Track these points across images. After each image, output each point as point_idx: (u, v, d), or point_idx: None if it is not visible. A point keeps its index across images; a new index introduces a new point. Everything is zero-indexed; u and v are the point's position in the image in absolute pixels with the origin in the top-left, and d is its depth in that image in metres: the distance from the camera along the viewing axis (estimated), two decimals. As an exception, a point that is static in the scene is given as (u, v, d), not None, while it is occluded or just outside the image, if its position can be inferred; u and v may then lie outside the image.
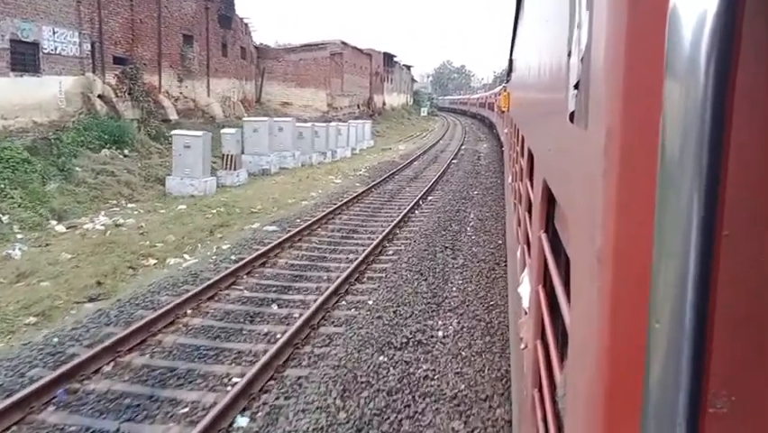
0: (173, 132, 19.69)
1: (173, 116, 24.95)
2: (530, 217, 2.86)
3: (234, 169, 20.75)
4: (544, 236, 2.00)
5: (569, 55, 1.26)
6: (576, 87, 1.12)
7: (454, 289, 9.78)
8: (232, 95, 31.72)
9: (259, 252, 11.12)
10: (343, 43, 50.64)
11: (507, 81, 15.80)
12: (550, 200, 1.96)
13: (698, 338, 0.55)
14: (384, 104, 67.04)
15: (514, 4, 6.75)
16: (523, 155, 4.26)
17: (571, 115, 1.17)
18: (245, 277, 10.06)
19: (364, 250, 11.60)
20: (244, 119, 25.23)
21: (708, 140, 0.53)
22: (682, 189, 0.55)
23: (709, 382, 0.57)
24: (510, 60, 11.40)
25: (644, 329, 0.59)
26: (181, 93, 26.62)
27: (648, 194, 0.63)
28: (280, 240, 12.01)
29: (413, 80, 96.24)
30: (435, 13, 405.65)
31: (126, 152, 20.73)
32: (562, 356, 1.58)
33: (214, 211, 15.81)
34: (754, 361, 0.70)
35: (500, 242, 12.58)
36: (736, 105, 0.54)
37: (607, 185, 0.78)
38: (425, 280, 10.13)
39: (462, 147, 37.74)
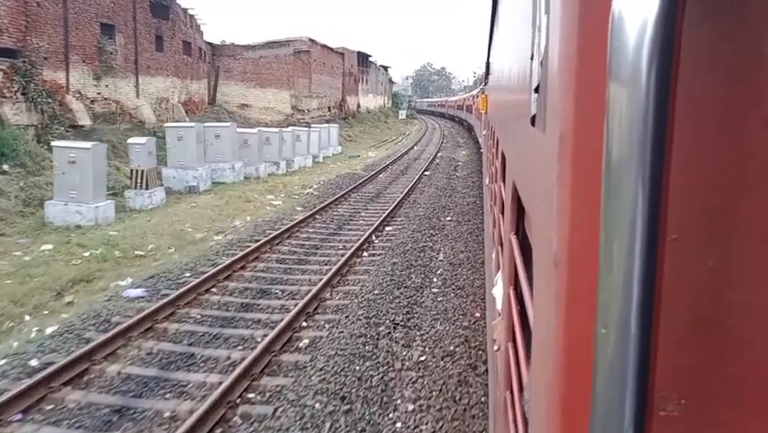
0: (54, 143, 14.97)
1: (85, 121, 20.23)
2: (503, 219, 2.79)
3: (147, 187, 16.14)
4: (513, 238, 2.03)
5: (531, 58, 1.27)
6: (536, 90, 1.12)
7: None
8: (171, 95, 27.04)
9: (87, 347, 6.63)
10: (311, 41, 46.12)
11: (485, 84, 15.64)
12: (519, 203, 1.94)
13: (644, 343, 0.55)
14: (359, 106, 62.59)
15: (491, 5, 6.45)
16: (498, 157, 4.27)
17: (533, 119, 1.17)
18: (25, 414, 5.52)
19: (262, 338, 7.16)
20: (166, 125, 20.59)
21: (650, 144, 0.53)
22: (626, 194, 0.55)
23: (658, 386, 0.57)
24: (487, 63, 11.08)
25: (593, 335, 0.59)
26: (99, 93, 21.89)
27: (597, 198, 0.60)
28: (139, 318, 7.52)
29: (391, 82, 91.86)
30: (416, 15, 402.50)
31: (6, 167, 16.03)
32: (530, 359, 1.44)
33: (88, 254, 11.22)
34: (704, 364, 0.70)
35: (479, 314, 8.22)
36: (678, 110, 0.54)
37: (561, 189, 0.78)
38: (349, 410, 5.72)
39: (439, 154, 33.36)
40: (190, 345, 7.20)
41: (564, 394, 0.77)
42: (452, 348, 7.20)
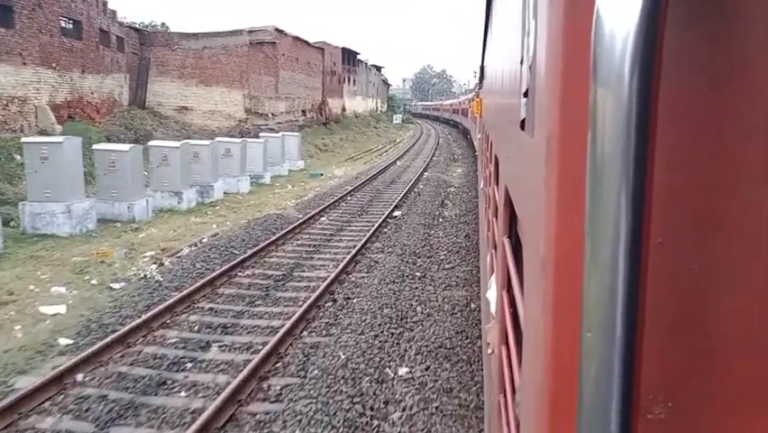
0: None
1: None
2: (497, 222, 2.76)
3: None
4: (506, 241, 2.00)
5: (521, 63, 1.23)
6: (525, 94, 1.09)
7: None
8: (33, 94, 18.16)
9: None
10: (278, 31, 37.22)
11: (480, 88, 15.01)
12: (511, 206, 1.89)
13: (629, 346, 0.54)
14: (344, 109, 53.64)
15: (484, 10, 6.28)
16: (491, 160, 4.19)
17: (522, 123, 1.15)
18: None
19: None
20: (23, 139, 12.04)
21: (634, 147, 0.52)
22: (610, 197, 0.54)
23: (645, 389, 0.57)
24: (482, 67, 10.94)
25: (579, 338, 0.58)
26: None
27: (583, 202, 0.59)
28: None
29: (386, 83, 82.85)
30: (416, 17, 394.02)
31: None
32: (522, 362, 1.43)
33: None
34: (691, 366, 0.68)
35: None
36: (660, 112, 0.53)
37: (548, 192, 0.77)
38: None
39: (425, 174, 24.35)
40: None
41: (552, 397, 0.75)
42: None
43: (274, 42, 36.06)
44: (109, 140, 21.32)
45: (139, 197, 15.02)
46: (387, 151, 38.54)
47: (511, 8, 1.79)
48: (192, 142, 19.10)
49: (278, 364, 6.47)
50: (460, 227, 13.68)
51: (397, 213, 15.18)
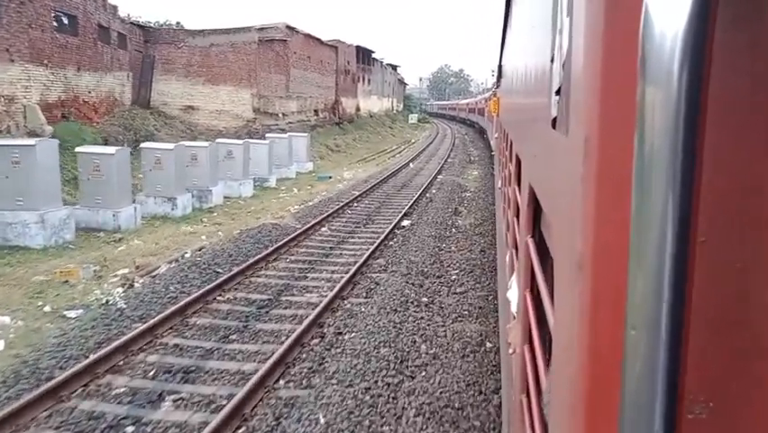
0: None
1: None
2: (518, 222, 2.76)
3: None
4: (530, 241, 1.95)
5: (551, 61, 1.22)
6: (558, 92, 1.08)
7: None
8: (21, 92, 17.07)
9: None
10: (290, 28, 35.99)
11: (497, 86, 14.75)
12: (536, 205, 1.89)
13: (674, 345, 0.54)
14: (358, 109, 52.28)
15: (503, 8, 6.09)
16: (511, 160, 4.14)
17: (554, 121, 1.13)
18: None
19: None
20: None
21: (681, 146, 0.52)
22: (657, 196, 0.54)
23: (687, 389, 0.56)
24: (500, 66, 10.87)
25: (622, 337, 0.58)
26: None
27: (625, 200, 0.59)
28: None
29: (402, 83, 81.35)
30: (434, 16, 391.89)
31: None
32: (549, 362, 1.43)
33: None
34: (732, 367, 0.68)
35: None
36: (709, 111, 0.53)
37: (586, 191, 0.76)
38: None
39: (439, 177, 22.89)
40: None
41: (589, 396, 0.74)
42: None
43: (285, 40, 34.83)
44: (106, 141, 20.21)
45: (126, 203, 13.82)
46: (401, 152, 37.14)
47: (538, 7, 1.75)
48: (188, 143, 17.90)
49: (239, 432, 5.11)
50: (474, 240, 12.23)
51: (405, 222, 13.76)
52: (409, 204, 15.94)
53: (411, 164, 27.72)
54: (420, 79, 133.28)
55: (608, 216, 0.70)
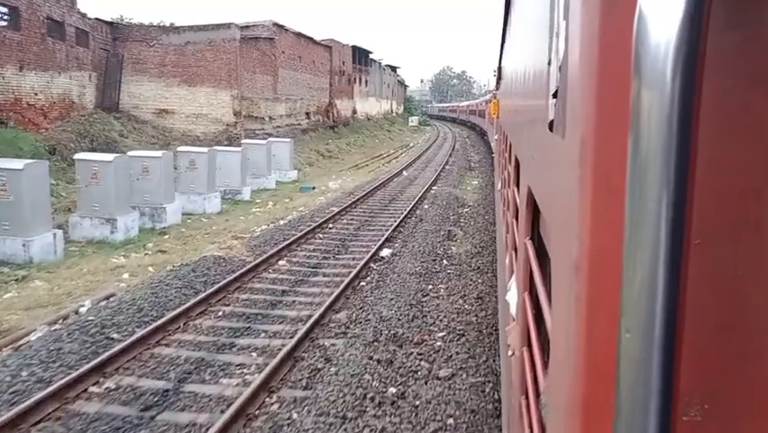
0: None
1: None
2: (517, 224, 2.71)
3: None
4: (529, 243, 1.94)
5: (549, 64, 1.22)
6: (554, 95, 1.08)
7: None
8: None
9: None
10: (278, 26, 33.34)
11: (497, 89, 14.32)
12: (534, 208, 1.87)
13: (668, 347, 0.53)
14: (354, 112, 49.59)
15: (503, 10, 5.98)
16: (510, 162, 4.10)
17: (551, 124, 1.13)
18: None
19: None
20: None
21: (676, 147, 0.52)
22: (652, 197, 0.53)
23: (682, 391, 0.56)
24: (499, 68, 10.66)
25: (618, 339, 0.58)
26: None
27: (621, 203, 0.59)
28: None
29: (402, 84, 78.60)
30: (435, 18, 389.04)
31: None
32: (547, 364, 1.40)
33: None
34: (727, 369, 0.68)
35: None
36: (703, 113, 0.53)
37: (582, 193, 0.76)
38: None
39: (434, 188, 20.13)
40: None
41: (586, 398, 0.74)
42: None
43: (272, 38, 32.18)
44: (53, 151, 17.57)
45: (43, 229, 11.14)
46: (397, 157, 34.45)
47: (535, 10, 1.77)
48: (135, 153, 15.22)
49: None
50: (471, 277, 9.49)
51: (385, 252, 11.00)
52: (394, 225, 13.20)
53: (405, 172, 24.94)
54: (422, 81, 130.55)
55: (604, 218, 0.70)
